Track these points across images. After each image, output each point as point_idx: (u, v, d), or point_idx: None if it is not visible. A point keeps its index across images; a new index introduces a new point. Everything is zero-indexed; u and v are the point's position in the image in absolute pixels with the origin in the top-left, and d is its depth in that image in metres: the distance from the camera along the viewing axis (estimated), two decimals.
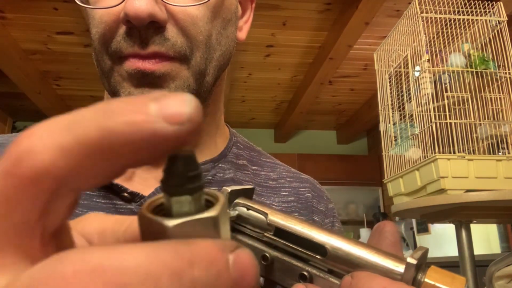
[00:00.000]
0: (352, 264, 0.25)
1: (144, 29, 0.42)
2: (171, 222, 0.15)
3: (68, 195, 0.14)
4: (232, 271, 0.14)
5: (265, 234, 0.28)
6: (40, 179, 0.13)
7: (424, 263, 0.25)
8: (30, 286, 0.12)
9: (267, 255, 0.28)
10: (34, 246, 0.14)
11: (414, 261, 0.23)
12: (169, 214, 0.15)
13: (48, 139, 0.13)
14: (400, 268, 0.24)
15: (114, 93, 0.46)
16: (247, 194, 0.30)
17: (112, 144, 0.13)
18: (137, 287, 0.12)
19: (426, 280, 0.23)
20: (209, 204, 0.16)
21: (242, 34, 0.55)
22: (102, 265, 0.12)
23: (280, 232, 0.27)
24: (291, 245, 0.27)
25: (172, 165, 0.15)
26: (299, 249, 0.27)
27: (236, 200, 0.29)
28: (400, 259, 0.24)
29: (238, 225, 0.29)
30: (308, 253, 0.26)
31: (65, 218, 0.15)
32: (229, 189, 0.29)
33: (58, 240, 0.15)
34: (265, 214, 0.28)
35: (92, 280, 0.12)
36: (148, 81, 0.44)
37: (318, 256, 0.26)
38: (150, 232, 0.15)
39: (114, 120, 0.13)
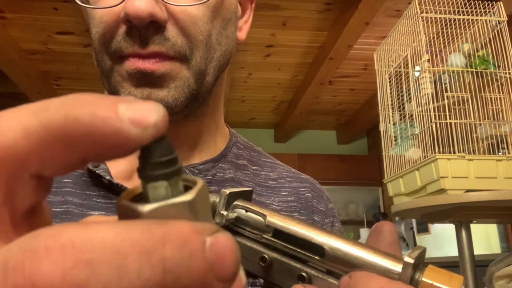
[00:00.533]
0: (350, 264, 0.25)
1: (144, 29, 0.42)
2: (145, 208, 0.15)
3: (31, 179, 0.14)
4: (208, 253, 0.14)
5: (264, 235, 0.28)
6: (1, 158, 0.13)
7: (422, 263, 0.25)
8: (2, 262, 0.12)
9: (266, 256, 0.28)
10: (5, 227, 0.14)
11: (411, 261, 0.23)
12: (146, 201, 0.15)
13: (13, 121, 0.14)
14: (397, 267, 0.24)
15: (114, 93, 0.46)
16: (246, 196, 0.30)
17: (75, 133, 0.14)
18: (105, 263, 0.12)
19: (423, 279, 0.23)
20: (188, 189, 0.16)
21: (242, 34, 0.55)
22: (72, 241, 0.12)
23: (279, 233, 0.27)
24: (289, 246, 0.27)
25: (144, 151, 0.15)
26: (297, 250, 0.27)
27: (235, 202, 0.29)
28: (398, 258, 0.24)
29: (237, 226, 0.29)
30: (306, 254, 0.27)
31: (34, 201, 0.15)
32: (227, 191, 0.29)
33: (32, 223, 0.16)
34: (264, 216, 0.28)
35: (62, 255, 0.12)
36: (148, 81, 0.44)
37: (316, 257, 0.26)
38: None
39: (81, 110, 0.14)
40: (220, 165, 0.54)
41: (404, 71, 1.63)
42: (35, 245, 0.12)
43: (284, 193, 0.57)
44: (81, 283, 0.12)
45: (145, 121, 0.14)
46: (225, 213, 0.28)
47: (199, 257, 0.14)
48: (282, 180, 0.59)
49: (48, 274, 0.12)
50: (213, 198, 0.29)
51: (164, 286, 0.13)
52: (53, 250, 0.12)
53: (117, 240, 0.13)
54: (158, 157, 0.15)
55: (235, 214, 0.29)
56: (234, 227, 0.29)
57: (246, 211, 0.29)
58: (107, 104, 0.14)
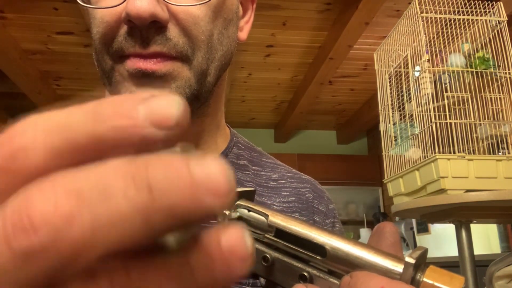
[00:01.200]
0: (352, 264, 0.25)
1: (146, 29, 0.42)
2: None
3: None
4: (194, 170, 0.14)
5: (266, 235, 0.28)
6: (32, 177, 0.14)
7: (423, 263, 0.25)
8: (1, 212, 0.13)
9: (268, 256, 0.28)
10: None
11: (412, 261, 0.23)
12: None
13: (41, 140, 0.14)
14: (398, 267, 0.24)
15: (115, 93, 0.46)
16: (249, 196, 0.31)
17: (100, 148, 0.14)
18: (90, 189, 0.13)
19: (424, 279, 0.23)
20: None
21: (243, 34, 0.55)
22: (62, 176, 0.14)
23: (281, 233, 0.28)
24: (291, 246, 0.27)
25: None
26: (299, 250, 0.27)
27: (237, 202, 0.29)
28: (399, 259, 0.24)
29: None
30: (308, 254, 0.27)
31: None
32: None
33: None
34: (266, 216, 0.28)
35: (52, 189, 0.13)
36: (149, 81, 0.44)
37: (318, 257, 0.26)
38: None
39: (102, 126, 0.14)
40: None
41: (404, 71, 1.63)
42: (28, 190, 0.13)
43: (285, 193, 0.57)
44: (71, 209, 0.13)
45: (167, 121, 0.14)
46: (227, 212, 0.29)
47: (185, 175, 0.14)
48: (283, 181, 0.59)
49: (41, 206, 0.13)
50: None
51: (153, 204, 0.13)
52: (44, 186, 0.13)
53: (100, 168, 0.14)
54: None
55: (238, 214, 0.29)
56: None
57: (249, 210, 0.29)
58: (126, 110, 0.14)
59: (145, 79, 0.43)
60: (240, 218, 0.29)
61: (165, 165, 0.14)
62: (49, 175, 0.14)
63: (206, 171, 0.14)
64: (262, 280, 0.44)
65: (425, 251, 0.25)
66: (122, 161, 0.14)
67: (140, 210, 0.13)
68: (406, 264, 0.23)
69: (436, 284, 0.23)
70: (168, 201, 0.13)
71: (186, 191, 0.14)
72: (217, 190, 0.14)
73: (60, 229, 0.13)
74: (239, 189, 0.30)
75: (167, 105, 0.14)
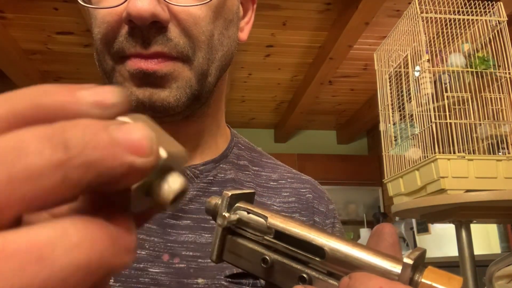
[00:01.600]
0: (350, 266, 0.25)
1: (147, 29, 0.42)
2: None
3: None
4: (112, 130, 0.15)
5: (265, 237, 0.28)
6: None
7: (421, 264, 0.25)
8: None
9: (267, 258, 0.28)
10: None
11: (410, 261, 0.23)
12: None
13: None
14: (397, 268, 0.24)
15: None
16: (248, 198, 0.31)
17: (40, 116, 0.16)
18: (4, 149, 0.14)
19: (423, 280, 0.24)
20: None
21: (244, 35, 0.55)
22: None
23: (280, 235, 0.28)
24: (290, 248, 0.27)
25: None
26: (298, 251, 0.27)
27: (237, 204, 0.30)
28: (398, 260, 0.24)
29: (239, 228, 0.29)
30: (307, 255, 0.27)
31: None
32: (229, 193, 0.29)
33: None
34: (265, 218, 0.28)
35: None
36: (150, 81, 0.44)
37: (317, 258, 0.26)
38: None
39: (44, 97, 0.16)
40: (221, 165, 0.54)
41: (404, 71, 1.63)
42: None
43: (285, 193, 0.57)
44: None
45: (105, 102, 0.16)
46: (227, 214, 0.29)
47: (102, 134, 0.15)
48: (283, 181, 0.59)
49: None
50: (216, 200, 0.30)
51: (70, 160, 0.14)
52: None
53: (21, 131, 0.15)
54: None
55: (237, 216, 0.29)
56: (236, 228, 0.30)
57: (248, 212, 0.29)
58: (68, 90, 0.16)
59: (146, 79, 0.43)
60: (240, 220, 0.29)
61: (84, 127, 0.15)
62: None
63: (125, 131, 0.15)
64: (262, 281, 0.44)
65: (424, 252, 0.25)
66: (43, 126, 0.15)
67: (57, 166, 0.14)
68: (404, 265, 0.24)
69: (434, 284, 0.23)
70: (86, 157, 0.14)
71: (105, 148, 0.15)
72: (137, 148, 0.15)
73: None
74: (239, 192, 0.30)
75: (106, 91, 0.16)
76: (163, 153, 0.17)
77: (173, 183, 0.18)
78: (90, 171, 0.14)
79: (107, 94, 0.16)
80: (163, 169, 0.17)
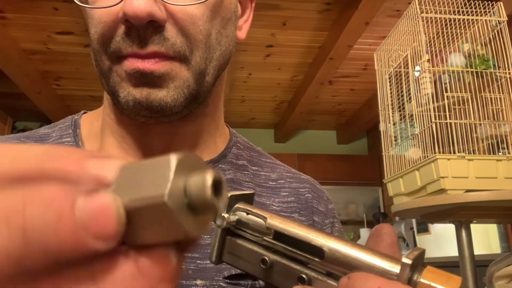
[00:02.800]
0: (349, 266, 0.25)
1: (143, 29, 0.42)
2: None
3: None
4: (79, 213, 0.13)
5: (265, 238, 0.28)
6: None
7: (420, 264, 0.25)
8: None
9: (267, 258, 0.28)
10: None
11: (409, 261, 0.23)
12: None
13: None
14: (395, 268, 0.24)
15: (113, 93, 0.46)
16: (248, 199, 0.31)
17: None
18: None
19: (421, 280, 0.24)
20: None
21: (242, 34, 0.55)
22: None
23: (279, 235, 0.28)
24: (289, 248, 0.28)
25: None
26: (297, 252, 0.27)
27: (236, 205, 0.30)
28: (396, 260, 0.24)
29: (238, 229, 0.29)
30: (306, 256, 0.27)
31: None
32: (229, 194, 0.29)
33: None
34: (264, 218, 0.28)
35: None
36: (147, 81, 0.43)
37: (316, 259, 0.26)
38: None
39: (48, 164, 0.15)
40: (220, 165, 0.54)
41: (404, 71, 1.63)
42: None
43: (284, 193, 0.57)
44: None
45: (104, 178, 0.15)
46: (226, 215, 0.29)
47: (67, 217, 0.13)
48: (282, 181, 0.58)
49: None
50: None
51: (26, 247, 0.13)
52: None
53: None
54: None
55: (236, 217, 0.29)
56: (235, 229, 0.30)
57: (247, 213, 0.29)
58: (76, 160, 0.15)
59: (143, 79, 0.43)
60: (239, 221, 0.29)
61: (46, 204, 0.13)
62: None
63: (92, 211, 0.13)
64: (262, 281, 0.44)
65: (422, 252, 0.25)
66: (4, 196, 0.13)
67: (12, 254, 0.13)
68: (403, 265, 0.24)
69: (433, 284, 0.23)
70: (44, 245, 0.13)
71: (66, 234, 0.13)
72: (101, 233, 0.13)
73: None
74: (238, 193, 0.30)
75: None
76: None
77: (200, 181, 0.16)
78: (47, 256, 0.13)
79: (108, 170, 0.15)
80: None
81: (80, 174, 0.14)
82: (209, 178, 0.16)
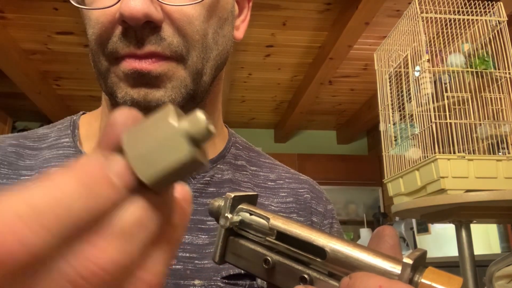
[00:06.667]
0: (351, 266, 0.25)
1: (140, 29, 0.42)
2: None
3: None
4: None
5: (267, 238, 0.29)
6: None
7: (422, 265, 0.25)
8: None
9: (269, 259, 0.28)
10: None
11: (410, 262, 0.23)
12: None
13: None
14: (397, 269, 0.24)
15: (111, 94, 0.46)
16: (251, 200, 0.31)
17: None
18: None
19: (422, 280, 0.24)
20: None
21: (239, 33, 0.55)
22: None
23: (282, 236, 0.28)
24: (292, 249, 0.28)
25: None
26: (300, 252, 0.27)
27: (240, 206, 0.30)
28: (398, 260, 0.25)
29: (241, 229, 0.30)
30: (308, 256, 0.27)
31: None
32: (232, 194, 0.29)
33: None
34: (267, 219, 0.28)
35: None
36: (144, 81, 0.43)
37: (318, 259, 0.26)
38: None
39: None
40: (218, 166, 0.54)
41: (404, 71, 1.63)
42: None
43: (283, 194, 0.57)
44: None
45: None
46: (229, 216, 0.29)
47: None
48: (281, 181, 0.58)
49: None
50: (219, 201, 0.30)
51: None
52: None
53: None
54: None
55: (240, 217, 0.29)
56: (238, 230, 0.30)
57: (250, 214, 0.29)
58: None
59: (140, 79, 0.43)
60: (242, 222, 0.29)
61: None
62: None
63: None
64: (260, 281, 0.44)
65: (424, 253, 0.25)
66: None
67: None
68: (404, 265, 0.24)
69: (434, 284, 0.23)
70: None
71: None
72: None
73: None
74: (242, 193, 0.30)
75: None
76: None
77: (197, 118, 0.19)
78: None
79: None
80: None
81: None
82: (200, 113, 0.19)
